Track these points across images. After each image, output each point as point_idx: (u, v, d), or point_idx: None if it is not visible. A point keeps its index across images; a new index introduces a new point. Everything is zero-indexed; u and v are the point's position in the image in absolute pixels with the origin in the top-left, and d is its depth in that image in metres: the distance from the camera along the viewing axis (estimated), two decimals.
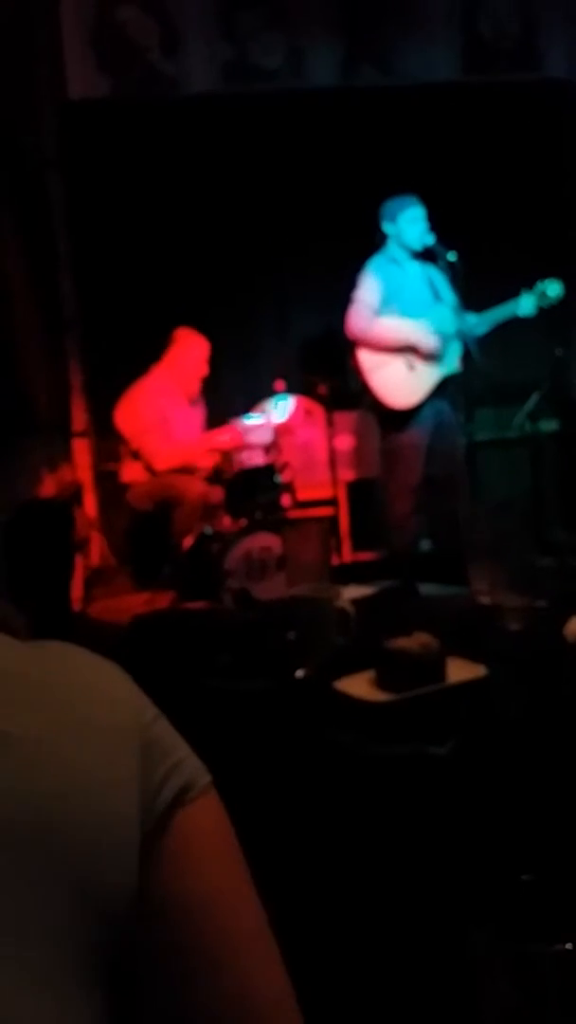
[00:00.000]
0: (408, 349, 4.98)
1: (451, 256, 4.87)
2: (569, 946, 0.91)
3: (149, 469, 5.19)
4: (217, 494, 5.04)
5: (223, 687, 2.16)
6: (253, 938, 0.73)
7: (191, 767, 0.75)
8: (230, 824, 0.75)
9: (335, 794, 1.77)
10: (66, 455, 5.89)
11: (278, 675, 2.18)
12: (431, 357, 4.97)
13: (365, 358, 5.03)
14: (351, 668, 2.13)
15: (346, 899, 1.56)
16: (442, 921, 1.40)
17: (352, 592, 2.52)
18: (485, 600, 2.51)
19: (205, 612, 4.09)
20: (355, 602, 2.40)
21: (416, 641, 2.08)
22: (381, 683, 2.06)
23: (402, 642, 2.08)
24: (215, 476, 5.16)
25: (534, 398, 5.37)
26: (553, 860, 1.41)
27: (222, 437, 5.23)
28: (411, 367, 4.99)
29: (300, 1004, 0.73)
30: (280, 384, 5.51)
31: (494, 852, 1.50)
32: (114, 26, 5.97)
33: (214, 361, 5.42)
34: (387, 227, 5.08)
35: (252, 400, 5.68)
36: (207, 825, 0.73)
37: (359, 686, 2.07)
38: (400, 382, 5.00)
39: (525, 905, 1.22)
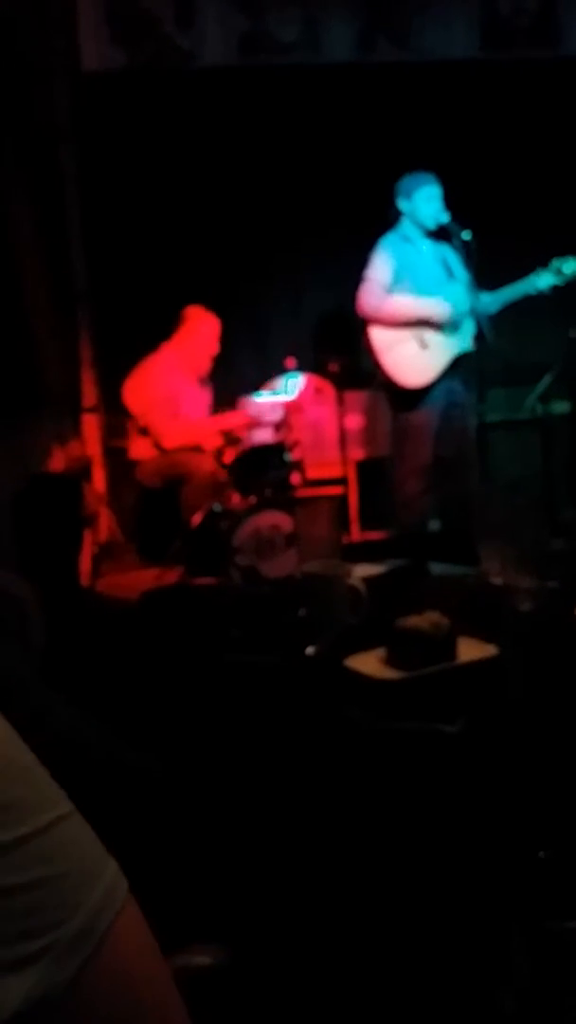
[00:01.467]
0: (420, 324, 4.95)
1: (465, 234, 4.84)
2: None
3: (157, 446, 5.18)
4: (227, 470, 5.04)
5: (234, 661, 2.16)
6: None
7: (66, 935, 0.52)
8: (146, 964, 0.57)
9: (345, 771, 1.77)
10: (76, 430, 5.89)
11: (289, 651, 2.18)
12: (445, 327, 4.94)
13: (377, 336, 5.01)
14: (362, 646, 2.13)
15: (355, 878, 1.56)
16: (456, 897, 1.40)
17: (363, 570, 2.51)
18: (496, 580, 2.50)
19: (215, 588, 4.09)
20: (366, 580, 2.39)
21: (427, 620, 2.07)
22: (392, 661, 2.05)
23: (413, 620, 2.07)
24: (218, 457, 5.16)
25: (546, 379, 5.34)
26: (568, 837, 1.41)
27: (231, 419, 5.22)
28: (424, 346, 4.96)
29: (315, 987, 0.69)
30: (291, 362, 5.49)
31: (506, 830, 1.50)
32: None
33: (225, 338, 5.41)
34: (402, 204, 5.04)
35: (263, 378, 5.66)
36: (98, 1011, 0.54)
37: (369, 664, 2.06)
38: (413, 361, 4.97)
39: (541, 882, 1.21)
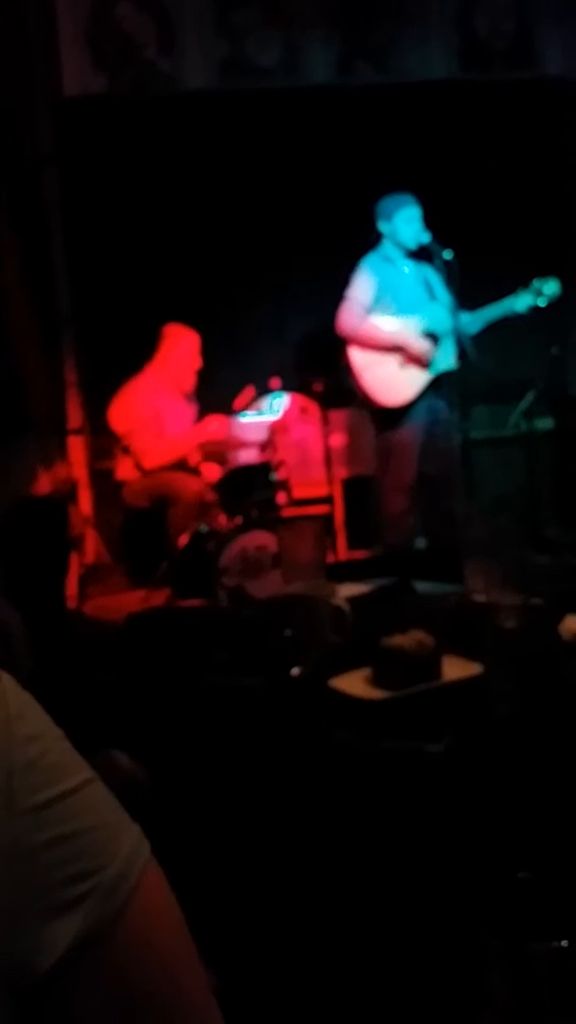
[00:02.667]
0: (397, 350, 4.98)
1: (447, 254, 4.87)
2: (565, 943, 0.91)
3: (138, 467, 5.19)
4: (213, 491, 5.05)
5: (219, 684, 2.17)
6: None
7: (108, 879, 0.60)
8: (172, 913, 0.63)
9: (331, 791, 1.78)
10: (61, 452, 5.89)
11: (274, 672, 2.19)
12: (420, 361, 4.97)
13: (357, 357, 5.03)
14: (347, 666, 2.14)
15: (341, 895, 1.56)
16: (439, 918, 1.41)
17: (348, 590, 2.53)
18: (480, 598, 2.51)
19: (201, 610, 4.10)
20: (351, 600, 2.40)
21: (412, 639, 2.08)
22: (377, 680, 2.07)
23: (398, 640, 2.08)
24: (197, 472, 5.17)
25: (530, 396, 5.37)
26: (549, 858, 1.42)
27: (208, 428, 5.22)
28: (403, 365, 4.99)
29: (302, 1004, 0.71)
30: (276, 382, 5.51)
31: (490, 850, 1.51)
32: (110, 23, 5.95)
33: (209, 358, 5.42)
34: (382, 226, 5.08)
35: (246, 397, 5.67)
36: (136, 951, 0.60)
37: (355, 684, 2.07)
38: (392, 380, 5.00)
39: (522, 903, 1.22)
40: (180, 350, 5.33)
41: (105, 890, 0.59)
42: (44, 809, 0.59)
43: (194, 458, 5.22)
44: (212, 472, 5.20)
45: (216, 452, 5.28)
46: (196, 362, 5.35)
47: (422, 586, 2.95)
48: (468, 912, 1.32)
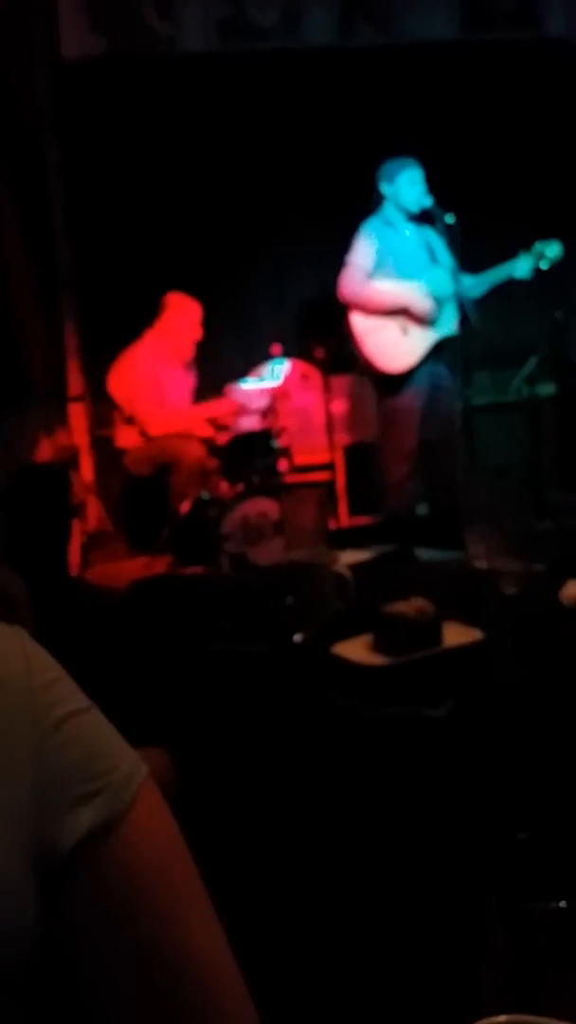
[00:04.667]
0: (401, 312, 4.95)
1: (449, 218, 4.83)
2: (564, 904, 0.92)
3: (144, 435, 5.18)
4: (214, 458, 5.05)
5: (222, 650, 2.18)
6: (210, 966, 0.69)
7: (117, 779, 0.69)
8: (171, 825, 0.72)
9: (333, 756, 1.79)
10: (62, 419, 5.88)
11: (276, 639, 2.20)
12: (424, 320, 4.95)
13: (358, 322, 5.01)
14: (349, 632, 2.15)
15: (343, 860, 1.58)
16: (439, 880, 1.42)
17: (349, 557, 2.53)
18: (482, 564, 2.51)
19: (203, 576, 4.11)
20: (352, 567, 2.41)
21: (413, 606, 2.09)
22: (378, 647, 2.07)
23: (399, 606, 2.09)
24: (211, 445, 5.16)
25: (532, 362, 5.35)
26: (548, 819, 1.43)
27: (217, 407, 5.22)
28: (404, 331, 4.97)
29: (301, 968, 0.74)
30: (277, 348, 5.49)
31: (490, 812, 1.52)
32: None
33: (210, 326, 5.40)
34: (385, 188, 5.04)
35: (249, 364, 5.66)
36: (139, 849, 0.69)
37: (356, 650, 2.08)
38: (394, 346, 4.98)
39: (522, 863, 1.24)
40: (181, 320, 5.31)
41: (115, 788, 0.68)
42: (62, 721, 0.68)
43: (204, 430, 5.21)
44: (222, 439, 5.20)
45: (222, 427, 5.28)
46: (197, 332, 5.34)
47: (424, 553, 2.96)
48: (468, 874, 1.34)
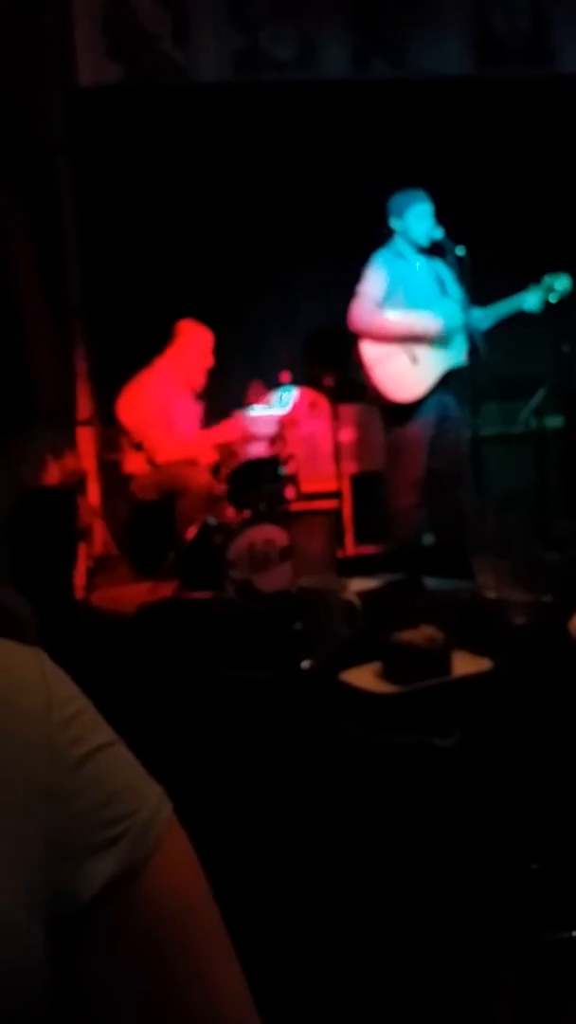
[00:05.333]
0: (412, 339, 4.97)
1: (459, 250, 4.86)
2: None
3: (151, 461, 5.19)
4: (221, 485, 5.05)
5: (229, 676, 2.17)
6: (233, 1019, 0.66)
7: (140, 823, 0.65)
8: (194, 868, 0.68)
9: (340, 785, 1.78)
10: (70, 443, 5.89)
11: (284, 665, 2.19)
12: (436, 342, 4.96)
13: (368, 351, 5.03)
14: (357, 660, 2.14)
15: (351, 890, 1.56)
16: (449, 911, 1.41)
17: (358, 584, 2.52)
18: (491, 594, 2.50)
19: (211, 601, 4.10)
20: (361, 594, 2.40)
21: (422, 634, 2.08)
22: (387, 675, 2.06)
23: (408, 635, 2.08)
24: (216, 471, 5.17)
25: (540, 393, 5.36)
26: (559, 850, 1.42)
27: (225, 431, 5.23)
28: (414, 360, 4.98)
29: (311, 999, 0.72)
30: (286, 376, 5.51)
31: (500, 843, 1.51)
32: (125, 13, 5.95)
33: (219, 352, 5.42)
34: (394, 222, 5.07)
35: (257, 392, 5.67)
36: (161, 897, 0.65)
37: (365, 678, 2.07)
38: (403, 376, 4.99)
39: (534, 894, 1.22)
40: (193, 347, 5.33)
41: (137, 832, 0.65)
42: (82, 760, 0.65)
43: (209, 458, 5.22)
44: (229, 465, 5.20)
45: (230, 453, 5.28)
46: (208, 361, 5.35)
47: (432, 582, 2.95)
48: (479, 905, 1.32)
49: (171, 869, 0.66)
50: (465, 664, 2.09)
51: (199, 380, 5.38)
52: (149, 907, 0.64)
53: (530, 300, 4.98)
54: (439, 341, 4.98)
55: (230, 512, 4.92)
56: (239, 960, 0.68)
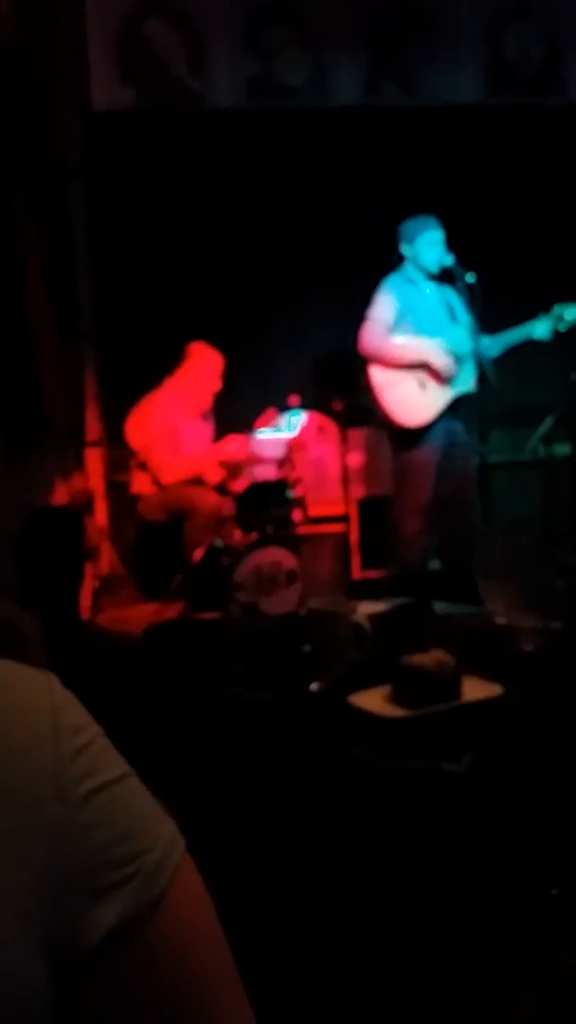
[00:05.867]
0: (420, 367, 4.98)
1: (469, 277, 4.88)
2: None
3: (156, 482, 5.20)
4: (228, 506, 5.05)
5: (238, 697, 2.16)
6: None
7: (150, 864, 0.63)
8: (206, 911, 0.66)
9: (349, 808, 1.77)
10: (79, 464, 5.90)
11: (293, 687, 2.18)
12: (443, 376, 4.97)
13: (377, 376, 5.04)
14: (366, 683, 2.13)
15: (363, 916, 1.55)
16: (465, 935, 1.40)
17: (367, 607, 2.52)
18: (501, 620, 2.50)
19: (219, 622, 4.09)
20: (371, 617, 2.40)
21: (432, 658, 2.08)
22: (396, 699, 2.06)
23: (418, 658, 2.08)
24: (222, 489, 5.17)
25: (548, 421, 5.37)
26: (570, 876, 1.41)
27: (228, 448, 5.24)
28: (423, 386, 5.00)
29: (322, 1020, 0.71)
30: (294, 399, 5.52)
31: (513, 867, 1.50)
32: (139, 39, 6.00)
33: (229, 375, 5.43)
34: (405, 248, 5.09)
35: (267, 415, 5.68)
36: (171, 942, 0.62)
37: (374, 701, 2.07)
38: (412, 401, 5.00)
39: (550, 918, 1.22)
40: (203, 370, 5.35)
41: (147, 874, 0.62)
42: (91, 795, 0.62)
43: (216, 476, 5.22)
44: (237, 487, 5.21)
45: (236, 470, 5.29)
46: (217, 383, 5.37)
47: (441, 606, 2.95)
48: (495, 928, 1.31)
49: (181, 913, 0.63)
50: (475, 689, 2.09)
51: (207, 402, 5.39)
52: (157, 951, 0.61)
53: (540, 328, 4.99)
54: (449, 372, 4.98)
55: (237, 534, 4.92)
56: (248, 987, 0.66)
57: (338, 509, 5.70)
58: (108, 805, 0.62)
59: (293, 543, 4.92)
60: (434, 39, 6.18)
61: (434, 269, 5.03)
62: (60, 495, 5.32)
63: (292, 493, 5.10)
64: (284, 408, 5.53)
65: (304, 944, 1.57)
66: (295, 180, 6.03)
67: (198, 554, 4.78)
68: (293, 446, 5.38)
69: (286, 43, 6.11)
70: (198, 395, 5.37)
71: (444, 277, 5.07)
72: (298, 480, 5.23)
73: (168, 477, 5.15)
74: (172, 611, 4.62)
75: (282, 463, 5.29)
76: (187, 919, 0.63)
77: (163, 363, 5.39)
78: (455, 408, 5.04)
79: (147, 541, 5.38)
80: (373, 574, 5.63)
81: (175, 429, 5.23)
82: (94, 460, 6.02)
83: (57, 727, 0.63)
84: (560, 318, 4.98)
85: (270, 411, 5.39)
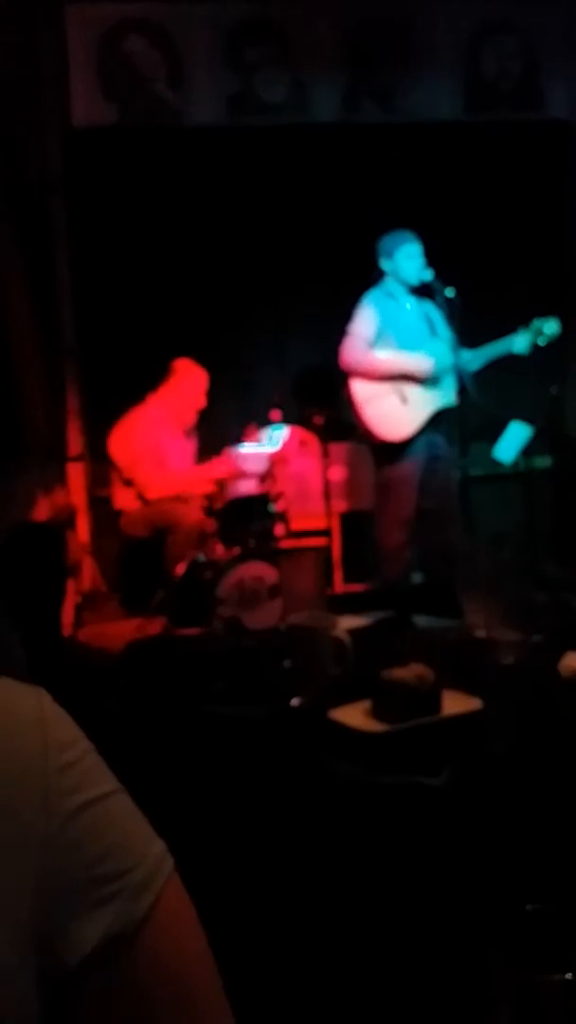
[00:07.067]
0: (402, 378, 5.00)
1: (449, 292, 4.91)
2: (570, 976, 0.91)
3: (141, 498, 5.20)
4: (210, 521, 5.05)
5: (218, 713, 2.16)
6: None
7: (136, 881, 0.62)
8: (194, 931, 0.65)
9: (330, 823, 1.77)
10: (61, 479, 5.89)
11: (273, 703, 2.18)
12: (426, 382, 4.99)
13: (358, 390, 5.05)
14: (347, 697, 2.14)
15: (342, 931, 1.55)
16: (442, 951, 1.40)
17: (348, 622, 2.52)
18: (480, 633, 2.51)
19: (200, 638, 4.09)
20: (351, 632, 2.40)
21: (412, 672, 2.08)
22: (376, 713, 2.06)
23: (398, 673, 2.08)
24: (208, 506, 5.17)
25: (529, 434, 5.39)
26: (548, 891, 1.41)
27: (218, 466, 5.24)
28: (404, 400, 5.01)
29: None
30: (276, 414, 5.53)
31: (491, 883, 1.50)
32: (120, 56, 6.02)
33: (211, 390, 5.44)
34: (384, 263, 5.11)
35: (248, 429, 5.68)
36: (156, 961, 0.62)
37: (354, 716, 2.07)
38: (393, 415, 5.02)
39: (528, 935, 1.22)
40: (187, 386, 5.36)
41: (133, 892, 0.62)
42: (78, 811, 0.62)
43: (200, 491, 5.22)
44: (220, 502, 5.20)
45: (219, 485, 5.29)
46: (201, 400, 5.39)
47: (422, 620, 2.95)
48: (472, 945, 1.32)
49: (167, 932, 0.63)
50: (455, 703, 2.09)
51: (191, 418, 5.40)
52: (143, 969, 0.61)
53: (519, 342, 5.02)
54: (429, 381, 5.01)
55: (219, 549, 4.92)
56: (234, 1004, 0.66)
57: (320, 523, 5.70)
58: (95, 821, 0.62)
59: (275, 557, 4.92)
60: (413, 56, 6.22)
61: (414, 283, 5.06)
62: (42, 511, 5.31)
63: (274, 508, 5.10)
64: (266, 423, 5.54)
65: (288, 959, 1.57)
66: (275, 196, 6.06)
67: (180, 569, 4.78)
68: (275, 460, 5.38)
69: (266, 60, 6.14)
70: (182, 411, 5.38)
71: (424, 291, 5.09)
72: (280, 495, 5.23)
73: (153, 493, 5.15)
74: (154, 626, 4.61)
75: (264, 478, 5.30)
76: (174, 938, 0.63)
77: (144, 379, 5.39)
78: (436, 422, 5.06)
79: (129, 556, 5.38)
80: (355, 588, 5.63)
81: (159, 445, 5.23)
82: (76, 475, 6.01)
83: (46, 741, 0.63)
84: (539, 332, 5.01)
85: (251, 427, 5.40)
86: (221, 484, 5.21)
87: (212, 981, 0.65)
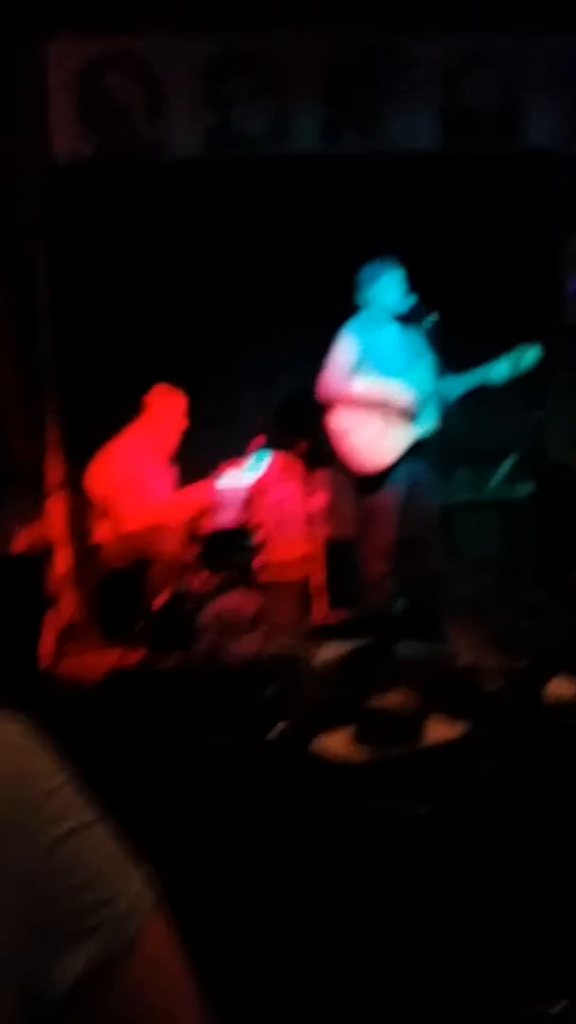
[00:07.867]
0: (381, 409, 4.99)
1: (430, 319, 4.91)
2: (564, 1005, 0.88)
3: (118, 529, 5.15)
4: (190, 552, 5.01)
5: (201, 741, 2.13)
6: None
7: (118, 912, 0.62)
8: (177, 962, 0.64)
9: (313, 851, 1.74)
10: (40, 510, 5.85)
11: (255, 731, 2.15)
12: (404, 414, 4.99)
13: (339, 419, 5.04)
14: (330, 724, 2.11)
15: (328, 959, 1.51)
16: (427, 980, 1.37)
17: (330, 650, 2.50)
18: (465, 660, 2.49)
19: (181, 669, 4.05)
20: (332, 660, 2.38)
21: (395, 698, 2.06)
22: (360, 739, 2.03)
23: (381, 699, 2.05)
24: (189, 536, 5.14)
25: (510, 461, 5.39)
26: (542, 920, 1.38)
27: (196, 493, 5.21)
28: (383, 429, 5.00)
29: None
30: (258, 442, 5.51)
31: (475, 911, 1.47)
32: (100, 90, 6.04)
33: (193, 419, 5.42)
34: (365, 292, 5.12)
35: (230, 458, 5.66)
36: (139, 992, 0.62)
37: (338, 743, 2.04)
38: (374, 443, 5.00)
39: (522, 963, 1.19)
40: (167, 412, 5.33)
41: (115, 923, 0.61)
42: (61, 841, 0.61)
43: (180, 522, 5.18)
44: (200, 533, 5.17)
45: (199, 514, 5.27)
46: (181, 423, 5.35)
47: (405, 647, 2.93)
48: (457, 974, 1.28)
49: (150, 961, 0.62)
50: (439, 729, 2.07)
51: (172, 443, 5.36)
52: (126, 1000, 0.60)
53: (500, 370, 5.02)
54: (408, 410, 5.00)
55: (200, 580, 4.88)
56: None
57: (302, 552, 5.67)
58: (74, 853, 0.61)
59: (256, 587, 4.88)
60: (392, 84, 6.25)
61: (395, 311, 5.06)
62: (20, 542, 5.27)
63: (253, 539, 5.07)
64: (247, 452, 5.51)
65: (272, 986, 1.53)
66: (257, 227, 6.07)
67: (160, 600, 4.73)
68: (256, 490, 5.36)
69: (245, 92, 6.16)
70: (162, 437, 5.34)
71: (405, 319, 5.10)
72: (259, 525, 5.20)
73: (130, 525, 5.11)
74: (134, 657, 4.57)
75: (244, 507, 5.27)
76: (157, 967, 0.62)
77: (125, 410, 5.36)
78: (418, 449, 5.05)
79: (110, 587, 5.33)
80: (338, 616, 5.60)
81: (139, 476, 5.20)
82: (56, 507, 5.97)
83: (25, 771, 0.62)
84: (520, 359, 5.02)
85: (232, 456, 5.37)
86: (201, 513, 5.18)
87: (195, 1010, 0.64)
